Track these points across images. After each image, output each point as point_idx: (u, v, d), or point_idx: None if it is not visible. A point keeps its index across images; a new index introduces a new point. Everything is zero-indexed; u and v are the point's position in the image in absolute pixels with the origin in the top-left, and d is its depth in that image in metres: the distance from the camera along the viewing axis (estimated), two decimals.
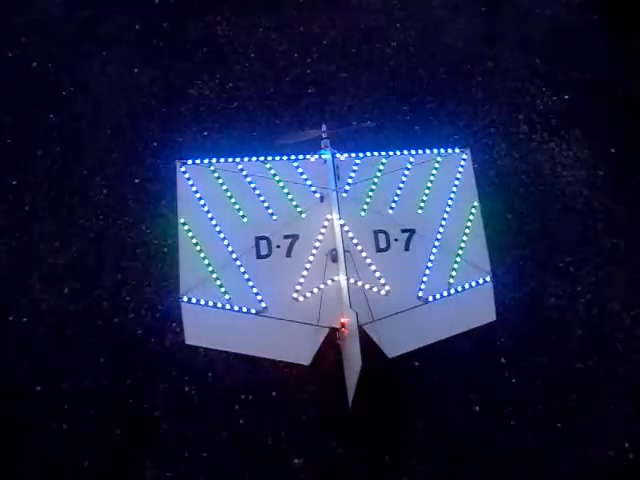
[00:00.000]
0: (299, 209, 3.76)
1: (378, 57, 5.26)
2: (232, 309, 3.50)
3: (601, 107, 5.09)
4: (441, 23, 5.50)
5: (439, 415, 3.89)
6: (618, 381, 4.00)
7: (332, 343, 3.55)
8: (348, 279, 3.49)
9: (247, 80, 5.02)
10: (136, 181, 4.50)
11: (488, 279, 3.71)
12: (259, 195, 3.77)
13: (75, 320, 4.01)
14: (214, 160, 3.84)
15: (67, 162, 4.55)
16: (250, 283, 3.56)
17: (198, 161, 3.82)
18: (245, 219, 3.71)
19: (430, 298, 3.63)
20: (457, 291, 3.68)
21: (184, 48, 5.14)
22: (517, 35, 5.46)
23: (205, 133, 4.70)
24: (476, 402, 3.89)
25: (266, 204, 3.75)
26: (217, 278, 3.55)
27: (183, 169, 3.77)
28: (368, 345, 3.25)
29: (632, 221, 4.57)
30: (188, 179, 3.76)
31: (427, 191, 3.89)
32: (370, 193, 3.84)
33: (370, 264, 3.63)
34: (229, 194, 3.75)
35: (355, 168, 3.89)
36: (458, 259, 3.76)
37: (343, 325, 3.43)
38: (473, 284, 3.70)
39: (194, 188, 3.74)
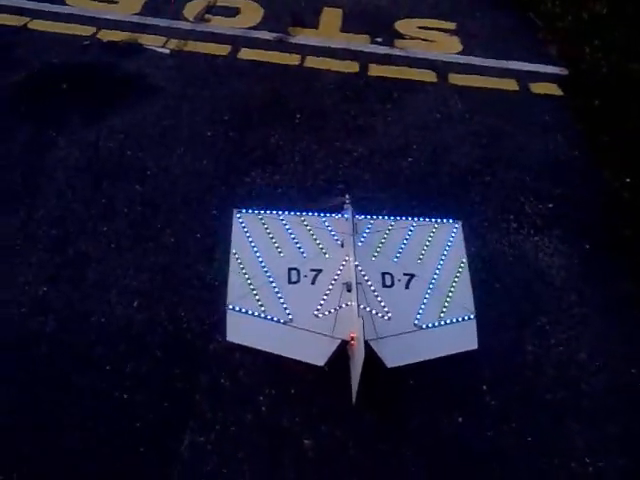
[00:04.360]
0: (323, 250, 4.59)
1: (396, 168, 6.36)
2: (265, 318, 4.25)
3: (578, 215, 6.08)
4: (449, 147, 6.68)
5: (428, 422, 4.44)
6: (581, 412, 4.57)
7: (343, 354, 4.19)
8: (359, 305, 4.16)
9: (290, 175, 6.15)
10: (197, 235, 5.49)
11: (472, 317, 4.38)
12: (294, 238, 4.63)
13: (141, 325, 4.80)
14: (262, 211, 4.83)
15: (145, 219, 5.56)
16: (281, 300, 4.28)
17: (250, 210, 4.82)
18: (282, 254, 4.55)
19: (424, 326, 4.30)
20: (446, 323, 4.35)
21: (243, 150, 6.38)
22: (512, 160, 6.58)
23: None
24: (459, 415, 4.47)
25: (298, 245, 4.60)
26: (256, 294, 4.32)
27: (239, 215, 4.74)
28: (372, 357, 3.92)
29: (598, 297, 5.33)
30: (241, 223, 4.69)
31: (425, 247, 4.70)
32: (380, 244, 4.67)
33: (377, 295, 4.30)
34: (271, 235, 4.62)
35: (370, 226, 4.78)
36: (448, 299, 4.40)
37: (352, 338, 3.96)
38: (460, 319, 4.37)
39: (245, 229, 4.65)
